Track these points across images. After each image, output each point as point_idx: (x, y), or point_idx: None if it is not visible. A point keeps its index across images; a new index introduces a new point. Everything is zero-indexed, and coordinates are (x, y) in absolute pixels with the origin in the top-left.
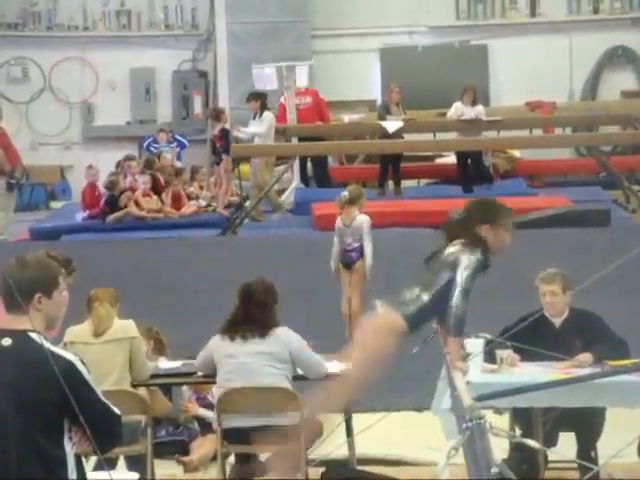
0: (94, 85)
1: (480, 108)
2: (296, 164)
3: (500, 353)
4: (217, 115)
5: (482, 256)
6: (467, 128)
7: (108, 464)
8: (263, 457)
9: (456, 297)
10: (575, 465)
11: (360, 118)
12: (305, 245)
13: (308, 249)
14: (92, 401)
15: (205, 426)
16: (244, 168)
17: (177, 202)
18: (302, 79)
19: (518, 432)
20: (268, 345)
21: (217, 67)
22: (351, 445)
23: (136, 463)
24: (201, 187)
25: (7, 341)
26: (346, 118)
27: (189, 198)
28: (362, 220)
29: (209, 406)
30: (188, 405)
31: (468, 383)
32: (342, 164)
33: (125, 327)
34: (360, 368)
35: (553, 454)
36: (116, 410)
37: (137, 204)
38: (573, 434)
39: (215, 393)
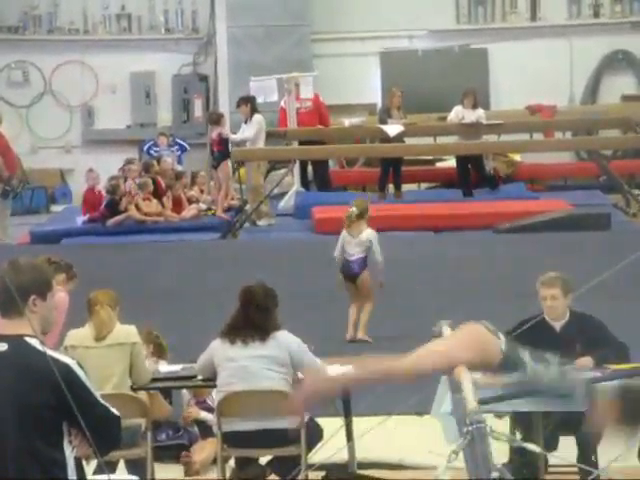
0: (94, 88)
1: (480, 112)
2: (296, 168)
3: None
4: (216, 119)
5: None
6: (467, 132)
7: (108, 468)
8: (263, 461)
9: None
10: (575, 469)
11: (360, 122)
12: (305, 248)
13: (308, 252)
14: (90, 403)
15: (205, 430)
16: (243, 172)
17: (177, 206)
18: (307, 90)
19: (518, 436)
20: (268, 349)
21: (217, 71)
22: (351, 449)
23: (136, 467)
24: (201, 191)
25: (3, 346)
26: (346, 122)
27: (189, 202)
28: (371, 236)
29: (209, 410)
30: (190, 410)
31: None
32: (342, 168)
33: (127, 332)
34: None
35: (553, 458)
36: (115, 412)
37: (137, 208)
38: (573, 438)
39: (215, 397)
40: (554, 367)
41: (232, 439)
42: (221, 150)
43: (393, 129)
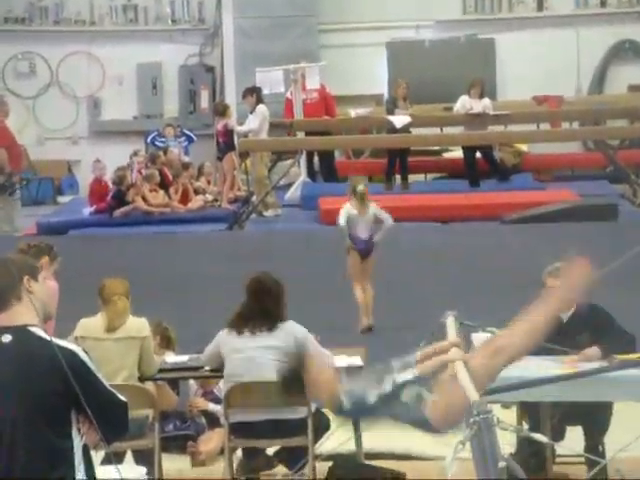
0: (101, 80)
1: (487, 102)
2: (303, 159)
3: None
4: (222, 110)
5: None
6: (474, 122)
7: (115, 458)
8: (270, 451)
9: None
10: (582, 459)
11: (367, 112)
12: (312, 239)
13: (315, 243)
14: (97, 389)
15: (212, 420)
16: (249, 163)
17: (184, 197)
18: (313, 80)
19: (526, 426)
20: (275, 339)
21: (224, 62)
22: (358, 439)
23: (144, 457)
24: (208, 182)
25: (7, 337)
26: (353, 112)
27: (196, 193)
28: (375, 210)
29: (216, 400)
30: (197, 401)
31: None
32: (349, 158)
33: (139, 326)
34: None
35: (561, 448)
36: (122, 398)
37: (144, 199)
38: (580, 428)
39: (222, 387)
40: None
41: (239, 430)
42: (226, 141)
43: (400, 120)
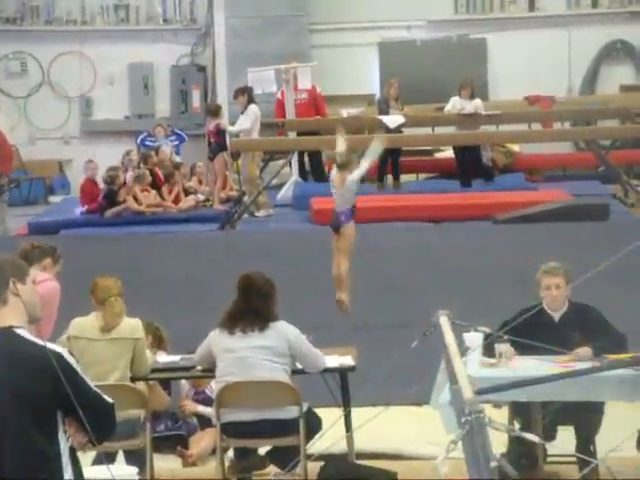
0: (92, 79)
1: (478, 102)
2: (294, 159)
3: (499, 347)
4: (214, 111)
5: None
6: (466, 122)
7: (107, 458)
8: (262, 451)
9: None
10: (574, 459)
11: (358, 112)
12: (304, 239)
13: (307, 243)
14: (83, 391)
15: (204, 420)
16: (241, 163)
17: (176, 197)
18: (305, 80)
19: (517, 426)
20: (267, 339)
21: (216, 61)
22: (350, 439)
23: (135, 457)
24: (200, 182)
25: None
26: (344, 112)
27: (187, 193)
28: (352, 179)
29: (208, 400)
30: (186, 403)
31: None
32: None
33: (133, 327)
34: None
35: (552, 448)
36: (109, 399)
37: (135, 199)
38: (572, 428)
39: (214, 387)
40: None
41: (231, 429)
42: (218, 141)
43: (393, 121)
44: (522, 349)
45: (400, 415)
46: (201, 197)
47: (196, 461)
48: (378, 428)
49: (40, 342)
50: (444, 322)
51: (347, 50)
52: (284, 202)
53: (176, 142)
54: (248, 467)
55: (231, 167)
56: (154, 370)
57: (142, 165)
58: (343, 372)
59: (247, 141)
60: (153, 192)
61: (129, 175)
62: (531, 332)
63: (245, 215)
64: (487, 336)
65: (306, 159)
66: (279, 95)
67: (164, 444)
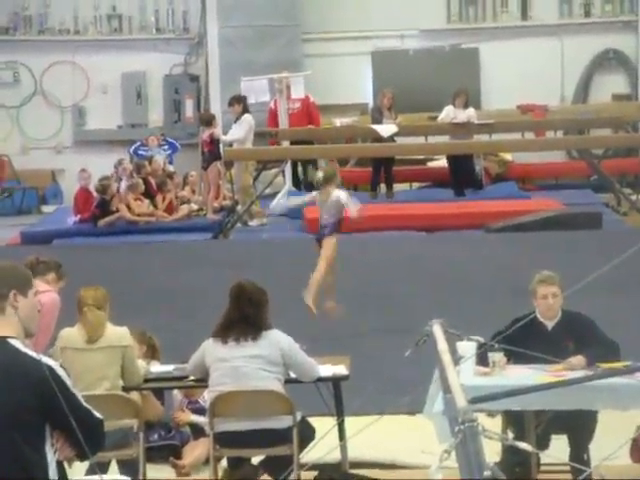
0: (85, 89)
1: (471, 111)
2: (288, 168)
3: (492, 356)
4: (208, 120)
5: None
6: (459, 131)
7: (100, 468)
8: (255, 460)
9: None
10: (568, 467)
11: (352, 121)
12: (297, 249)
13: (300, 253)
14: (73, 406)
15: (197, 430)
16: (234, 172)
17: (169, 206)
18: (298, 90)
19: (510, 435)
20: (260, 348)
21: (209, 71)
22: (344, 448)
23: (128, 467)
24: (193, 191)
25: None
26: (337, 122)
27: (181, 202)
28: (337, 195)
29: (201, 410)
30: (180, 414)
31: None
32: None
33: (119, 335)
34: None
35: (545, 457)
36: (98, 415)
37: (129, 208)
38: (565, 437)
39: (207, 397)
40: None
41: (224, 439)
42: (212, 151)
43: (386, 130)
44: (515, 358)
45: (393, 424)
46: (194, 206)
47: (189, 471)
48: (371, 437)
49: (33, 354)
50: (437, 331)
51: (340, 59)
52: (277, 211)
53: (169, 151)
54: (241, 477)
55: (224, 176)
56: (147, 380)
57: (135, 175)
58: (336, 381)
59: (240, 150)
60: (146, 201)
61: (123, 184)
62: (524, 341)
63: (238, 224)
64: (481, 345)
65: (299, 168)
66: (272, 105)
67: (157, 454)
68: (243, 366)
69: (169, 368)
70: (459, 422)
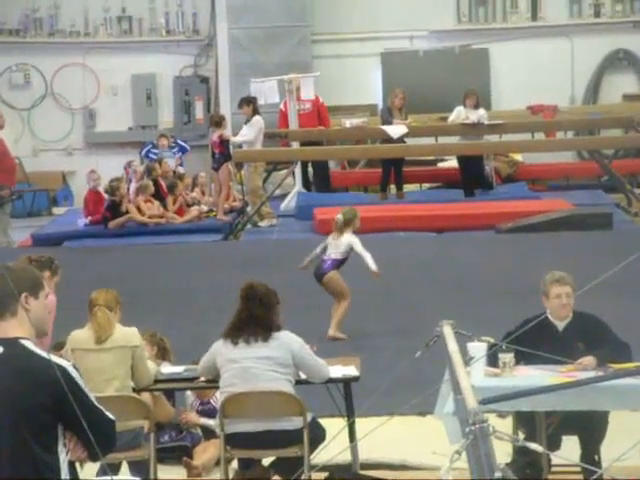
0: (96, 91)
1: (482, 112)
2: (297, 169)
3: (503, 357)
4: (217, 122)
5: None
6: (469, 132)
7: (111, 469)
8: (266, 462)
9: None
10: (579, 468)
11: (361, 122)
12: (307, 250)
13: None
14: (86, 407)
15: (208, 431)
16: (244, 173)
17: (179, 207)
18: (308, 90)
19: (521, 436)
20: (271, 349)
21: (218, 72)
22: (354, 449)
23: (139, 468)
24: (203, 192)
25: None
26: (347, 123)
27: (189, 204)
28: (351, 240)
29: (213, 411)
30: (189, 416)
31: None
32: (344, 169)
33: (128, 336)
34: None
35: (556, 457)
36: (110, 415)
37: (139, 210)
38: (576, 437)
39: (218, 398)
40: None
41: (235, 440)
42: (222, 152)
43: (396, 131)
44: (526, 359)
45: (404, 425)
46: (204, 208)
47: (201, 472)
48: (382, 438)
49: (45, 355)
50: (448, 332)
51: (350, 60)
52: (287, 212)
53: (179, 153)
54: (252, 478)
55: (234, 178)
56: (158, 381)
57: (146, 177)
58: (347, 382)
59: (250, 152)
60: (156, 203)
61: (133, 186)
62: (535, 342)
63: (248, 225)
64: (491, 346)
65: (310, 169)
66: (282, 106)
67: (168, 455)
68: (253, 367)
69: (180, 369)
70: (470, 423)
